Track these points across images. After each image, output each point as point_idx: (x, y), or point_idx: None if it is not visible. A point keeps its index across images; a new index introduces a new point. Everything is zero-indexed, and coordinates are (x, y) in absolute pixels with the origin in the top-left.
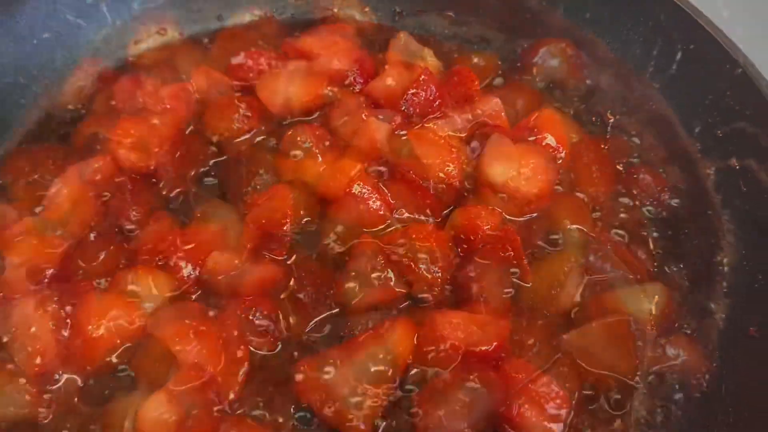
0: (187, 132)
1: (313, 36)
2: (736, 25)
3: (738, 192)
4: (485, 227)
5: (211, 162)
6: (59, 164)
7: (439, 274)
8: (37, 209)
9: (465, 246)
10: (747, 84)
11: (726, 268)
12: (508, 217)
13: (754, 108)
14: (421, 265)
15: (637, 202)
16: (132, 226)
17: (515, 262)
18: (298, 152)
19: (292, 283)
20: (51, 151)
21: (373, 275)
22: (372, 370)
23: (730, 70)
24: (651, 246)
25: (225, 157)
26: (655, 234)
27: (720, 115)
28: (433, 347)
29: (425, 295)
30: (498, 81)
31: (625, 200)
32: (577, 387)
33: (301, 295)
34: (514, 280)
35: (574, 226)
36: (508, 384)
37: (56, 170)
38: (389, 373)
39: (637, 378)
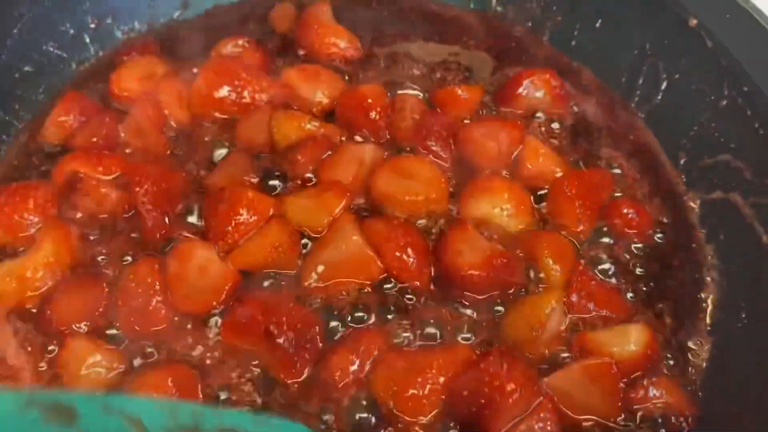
0: (168, 167)
1: (297, 69)
2: (721, 56)
3: (722, 226)
4: (466, 266)
5: (194, 197)
6: (40, 203)
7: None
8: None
9: (447, 283)
10: (732, 116)
11: (709, 305)
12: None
13: (738, 140)
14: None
15: (621, 239)
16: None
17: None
18: (279, 186)
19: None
20: (31, 189)
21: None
22: None
23: (715, 101)
24: (635, 283)
25: (205, 193)
26: (638, 270)
27: (704, 147)
28: (413, 390)
29: (406, 334)
30: (482, 113)
31: (609, 236)
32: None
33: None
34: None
35: (557, 266)
36: None
37: (37, 209)
38: None
39: (619, 420)
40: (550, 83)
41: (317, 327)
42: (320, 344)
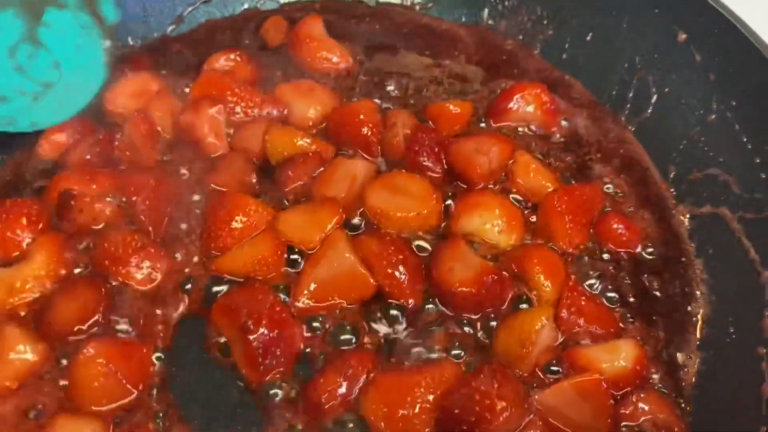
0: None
1: (290, 85)
2: (709, 70)
3: (711, 241)
4: (457, 282)
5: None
6: (33, 220)
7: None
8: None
9: (438, 300)
10: (720, 130)
11: (699, 320)
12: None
13: (727, 155)
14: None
15: (610, 253)
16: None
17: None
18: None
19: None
20: (25, 206)
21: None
22: None
23: (704, 115)
24: (624, 298)
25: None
26: (628, 282)
27: (694, 161)
28: (403, 411)
29: (394, 354)
30: (473, 128)
31: (599, 251)
32: None
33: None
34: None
35: (547, 281)
36: None
37: (30, 226)
38: None
39: None
40: (540, 98)
41: (298, 338)
42: (293, 357)
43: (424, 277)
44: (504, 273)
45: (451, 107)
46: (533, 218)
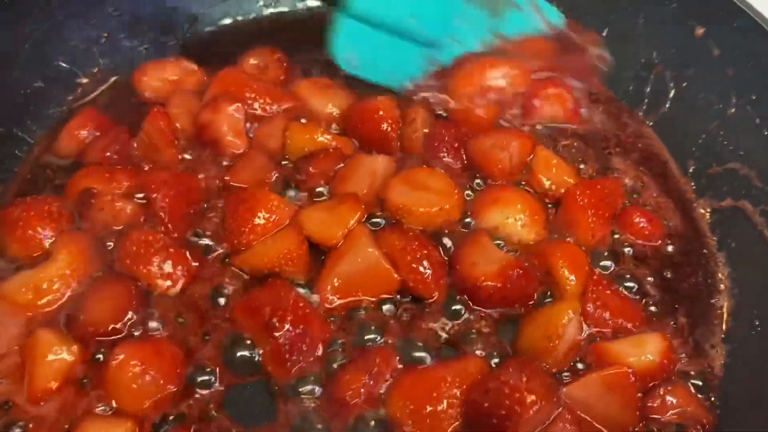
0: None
1: (308, 81)
2: (728, 65)
3: (733, 234)
4: (481, 277)
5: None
6: (54, 217)
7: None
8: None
9: (462, 295)
10: (740, 124)
11: (723, 313)
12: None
13: (746, 149)
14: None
15: (632, 247)
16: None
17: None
18: (294, 196)
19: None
20: (46, 203)
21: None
22: None
23: (723, 109)
24: (649, 292)
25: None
26: (650, 279)
27: (713, 155)
28: (430, 407)
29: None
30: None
31: (620, 245)
32: None
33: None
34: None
35: (572, 276)
36: None
37: (51, 223)
38: None
39: (637, 430)
40: (562, 96)
41: (322, 333)
42: (319, 353)
43: (447, 272)
44: (528, 266)
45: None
46: (555, 213)
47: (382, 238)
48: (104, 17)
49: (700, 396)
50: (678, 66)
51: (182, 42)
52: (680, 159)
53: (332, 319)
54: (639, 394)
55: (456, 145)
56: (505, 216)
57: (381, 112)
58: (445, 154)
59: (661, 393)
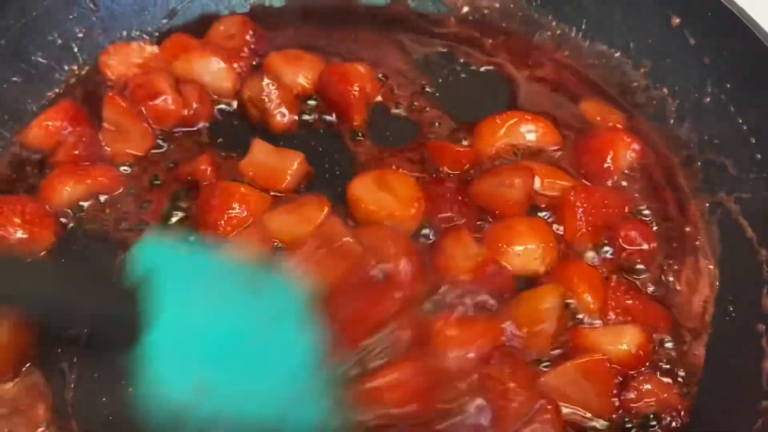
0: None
1: (279, 54)
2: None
3: (713, 222)
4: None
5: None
6: (27, 219)
7: None
8: None
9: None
10: (715, 113)
11: (702, 301)
12: None
13: (722, 138)
14: None
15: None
16: None
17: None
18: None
19: None
20: (19, 204)
21: None
22: None
23: (699, 99)
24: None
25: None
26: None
27: (690, 146)
28: None
29: None
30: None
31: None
32: None
33: None
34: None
35: (594, 299)
36: None
37: (24, 224)
38: None
39: (613, 417)
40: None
41: None
42: None
43: (424, 263)
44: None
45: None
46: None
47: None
48: (82, 12)
49: (675, 384)
50: (654, 56)
51: (160, 37)
52: (656, 150)
53: None
54: (616, 381)
55: (459, 197)
56: (522, 259)
57: (351, 77)
58: (451, 214)
59: (638, 381)
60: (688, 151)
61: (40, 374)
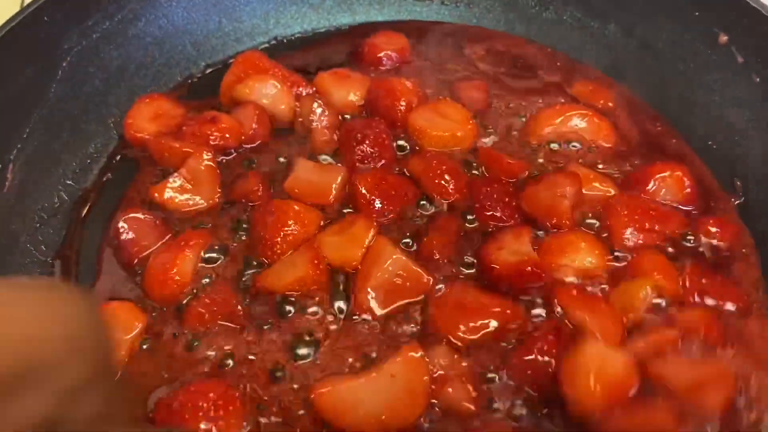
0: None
1: (329, 73)
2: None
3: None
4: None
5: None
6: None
7: None
8: None
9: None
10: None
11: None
12: None
13: None
14: None
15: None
16: None
17: None
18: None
19: None
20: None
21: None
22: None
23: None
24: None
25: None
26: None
27: (741, 162)
28: None
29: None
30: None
31: None
32: None
33: None
34: None
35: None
36: None
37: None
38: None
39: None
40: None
41: None
42: None
43: (467, 180)
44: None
45: (509, 160)
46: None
47: (407, 164)
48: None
49: None
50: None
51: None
52: (711, 164)
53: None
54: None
55: (506, 199)
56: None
57: (397, 92)
58: (497, 212)
59: None
60: (740, 167)
61: None
